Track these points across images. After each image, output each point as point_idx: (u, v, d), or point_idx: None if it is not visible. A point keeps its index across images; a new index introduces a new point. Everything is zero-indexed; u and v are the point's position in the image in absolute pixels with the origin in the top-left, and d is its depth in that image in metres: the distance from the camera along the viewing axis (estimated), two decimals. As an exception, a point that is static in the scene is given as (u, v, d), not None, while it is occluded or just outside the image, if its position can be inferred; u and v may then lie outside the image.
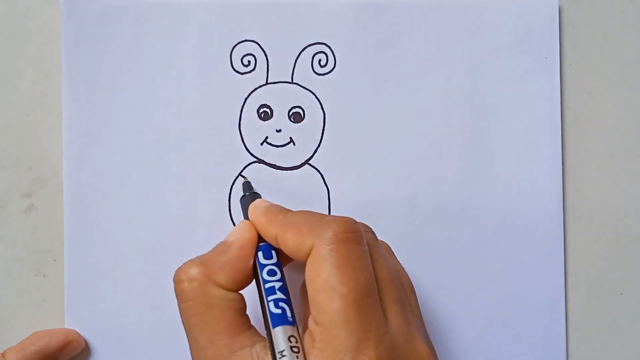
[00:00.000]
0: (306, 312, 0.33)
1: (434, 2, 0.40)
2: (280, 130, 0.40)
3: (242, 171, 0.40)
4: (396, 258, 0.36)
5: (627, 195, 0.41)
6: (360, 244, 0.30)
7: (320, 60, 0.40)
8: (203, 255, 0.32)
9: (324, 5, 0.40)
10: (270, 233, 0.32)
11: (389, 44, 0.40)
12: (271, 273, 0.32)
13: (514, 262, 0.40)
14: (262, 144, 0.40)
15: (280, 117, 0.40)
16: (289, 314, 0.30)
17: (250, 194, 0.37)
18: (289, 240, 0.31)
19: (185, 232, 0.39)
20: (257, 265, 0.32)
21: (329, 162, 0.40)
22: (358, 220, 0.35)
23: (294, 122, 0.40)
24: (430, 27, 0.40)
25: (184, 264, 0.32)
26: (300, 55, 0.40)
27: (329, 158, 0.40)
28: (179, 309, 0.31)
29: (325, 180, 0.40)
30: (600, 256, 0.41)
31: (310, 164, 0.40)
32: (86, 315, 0.39)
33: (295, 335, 0.30)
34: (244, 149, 0.40)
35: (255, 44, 0.40)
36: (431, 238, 0.40)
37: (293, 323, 0.30)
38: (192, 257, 0.39)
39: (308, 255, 0.29)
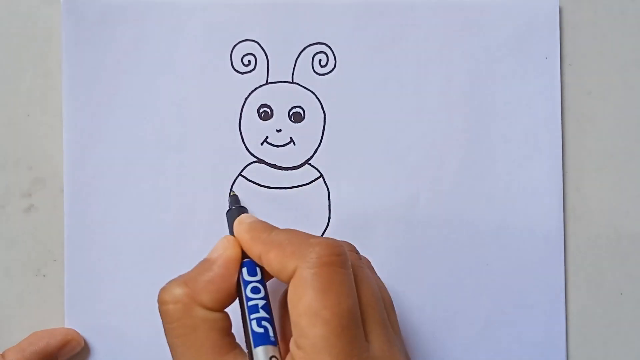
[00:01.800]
0: (285, 328, 0.33)
1: (434, 2, 0.40)
2: (280, 130, 0.40)
3: (242, 171, 0.40)
4: (376, 274, 0.36)
5: (627, 195, 0.41)
6: (344, 267, 0.29)
7: (320, 60, 0.40)
8: (187, 274, 0.32)
9: (325, 5, 0.40)
10: (254, 251, 0.32)
11: (389, 44, 0.40)
12: (255, 290, 0.31)
13: (514, 262, 0.40)
14: (262, 143, 0.40)
15: (280, 117, 0.40)
16: (271, 333, 0.30)
17: (236, 208, 0.37)
18: (272, 261, 0.30)
19: (185, 232, 0.39)
20: (241, 282, 0.32)
21: (329, 162, 0.40)
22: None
23: (294, 122, 0.40)
24: (430, 27, 0.40)
25: (168, 284, 0.32)
26: (301, 55, 0.40)
27: (329, 158, 0.40)
28: (164, 329, 0.31)
29: (325, 180, 0.40)
30: (600, 256, 0.41)
31: (310, 164, 0.40)
32: (86, 315, 0.39)
33: (277, 355, 0.29)
34: (244, 148, 0.40)
35: (256, 44, 0.40)
36: (431, 238, 0.40)
37: (275, 343, 0.30)
38: (192, 257, 0.39)
39: (291, 277, 0.29)
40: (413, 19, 0.40)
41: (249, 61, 0.40)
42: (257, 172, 0.40)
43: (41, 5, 0.40)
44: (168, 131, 0.40)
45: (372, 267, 0.36)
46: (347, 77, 0.40)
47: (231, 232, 0.35)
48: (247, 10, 0.40)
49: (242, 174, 0.40)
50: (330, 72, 0.40)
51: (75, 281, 0.39)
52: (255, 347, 0.30)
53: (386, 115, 0.40)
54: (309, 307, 0.28)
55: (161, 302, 0.31)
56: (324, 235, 0.40)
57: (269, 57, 0.40)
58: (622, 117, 0.41)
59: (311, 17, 0.40)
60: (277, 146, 0.40)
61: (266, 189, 0.40)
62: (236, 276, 0.32)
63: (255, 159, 0.40)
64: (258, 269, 0.32)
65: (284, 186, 0.40)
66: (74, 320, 0.39)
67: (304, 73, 0.40)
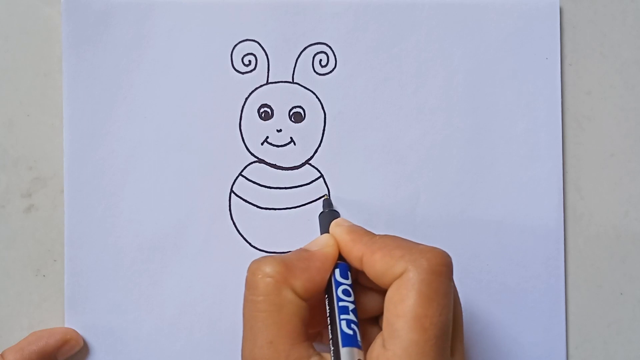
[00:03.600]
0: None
1: (434, 2, 0.40)
2: (280, 130, 0.40)
3: (242, 171, 0.40)
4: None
5: (627, 195, 0.41)
6: (450, 279, 0.29)
7: (321, 60, 0.40)
8: (284, 255, 0.32)
9: (325, 5, 0.40)
10: (355, 253, 0.32)
11: (390, 44, 0.40)
12: (346, 293, 0.31)
13: (514, 262, 0.40)
14: (262, 143, 0.40)
15: (280, 117, 0.40)
16: (359, 337, 0.30)
17: (329, 211, 0.37)
18: (377, 262, 0.30)
19: (185, 232, 0.39)
20: (333, 282, 0.32)
21: (329, 162, 0.40)
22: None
23: (295, 122, 0.40)
24: (430, 27, 0.40)
25: (263, 257, 0.31)
26: (301, 55, 0.40)
27: (329, 158, 0.40)
28: (246, 300, 0.31)
29: (326, 180, 0.40)
30: (600, 256, 0.41)
31: (310, 164, 0.40)
32: (86, 315, 0.39)
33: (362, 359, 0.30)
34: (245, 148, 0.40)
35: (256, 44, 0.40)
36: (431, 238, 0.40)
37: (361, 347, 0.30)
38: (192, 257, 0.39)
39: (394, 279, 0.29)
40: (413, 19, 0.40)
41: (250, 61, 0.40)
42: (258, 172, 0.40)
43: (41, 5, 0.40)
44: (168, 131, 0.40)
45: None
46: (348, 77, 0.40)
47: (323, 233, 0.35)
48: (247, 10, 0.40)
49: (243, 173, 0.40)
50: (330, 72, 0.40)
51: (75, 281, 0.39)
52: (343, 346, 0.30)
53: (386, 115, 0.40)
54: (410, 311, 0.28)
55: (252, 272, 0.31)
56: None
57: (269, 57, 0.40)
58: (622, 117, 0.41)
59: (312, 17, 0.40)
60: (278, 146, 0.40)
61: (266, 188, 0.40)
62: (329, 274, 0.32)
63: (256, 159, 0.40)
64: (349, 274, 0.33)
65: (284, 186, 0.40)
66: (73, 320, 0.39)
67: (304, 73, 0.40)
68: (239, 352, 0.31)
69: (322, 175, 0.40)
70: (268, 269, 0.30)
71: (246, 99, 0.40)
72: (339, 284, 0.32)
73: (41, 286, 0.40)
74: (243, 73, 0.40)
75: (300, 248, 0.33)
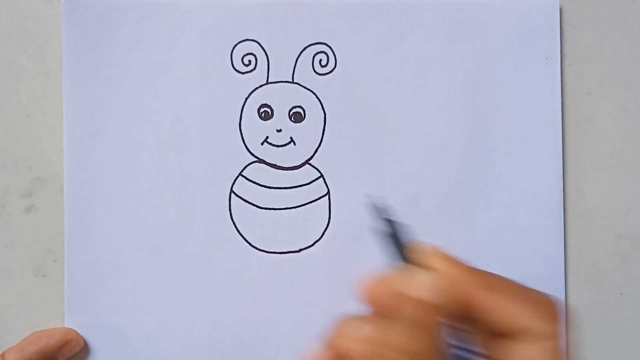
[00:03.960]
0: None
1: (434, 2, 0.40)
2: (280, 130, 0.40)
3: (242, 170, 0.40)
4: None
5: (627, 195, 0.41)
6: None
7: (321, 60, 0.40)
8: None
9: (325, 5, 0.40)
10: (470, 294, 0.26)
11: (390, 44, 0.40)
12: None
13: (514, 262, 0.40)
14: (262, 143, 0.40)
15: (280, 117, 0.40)
16: None
17: (397, 226, 0.29)
18: (506, 308, 0.26)
19: (185, 232, 0.39)
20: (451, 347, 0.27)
21: (329, 162, 0.40)
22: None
23: (295, 121, 0.40)
24: (431, 27, 0.40)
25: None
26: (301, 55, 0.40)
27: (329, 158, 0.40)
28: None
29: (326, 180, 0.40)
30: (600, 256, 0.41)
31: (310, 164, 0.40)
32: (86, 315, 0.39)
33: None
34: (245, 148, 0.40)
35: (256, 44, 0.40)
36: (431, 238, 0.40)
37: None
38: (192, 257, 0.39)
39: (525, 334, 0.26)
40: (413, 19, 0.40)
41: (250, 61, 0.40)
42: (258, 172, 0.40)
43: (41, 5, 0.40)
44: (168, 131, 0.40)
45: None
46: (348, 77, 0.40)
47: (400, 257, 0.28)
48: (247, 10, 0.40)
49: (243, 173, 0.40)
50: (330, 72, 0.40)
51: (75, 281, 0.39)
52: None
53: (387, 115, 0.40)
54: None
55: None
56: (323, 236, 0.40)
57: (269, 57, 0.40)
58: (622, 117, 0.41)
59: (312, 17, 0.40)
60: (278, 146, 0.40)
61: (266, 188, 0.40)
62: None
63: (256, 159, 0.40)
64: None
65: (284, 186, 0.40)
66: (73, 320, 0.39)
67: (304, 73, 0.40)
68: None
69: (322, 175, 0.40)
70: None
71: (246, 99, 0.40)
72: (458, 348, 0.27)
73: (41, 286, 0.40)
74: (243, 73, 0.40)
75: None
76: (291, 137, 0.40)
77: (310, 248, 0.39)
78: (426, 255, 0.27)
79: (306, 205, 0.40)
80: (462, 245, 0.40)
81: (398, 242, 0.28)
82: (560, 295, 0.40)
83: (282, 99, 0.40)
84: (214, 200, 0.40)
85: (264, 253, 0.40)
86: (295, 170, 0.40)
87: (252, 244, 0.40)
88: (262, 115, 0.40)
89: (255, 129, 0.40)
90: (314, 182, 0.40)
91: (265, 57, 0.40)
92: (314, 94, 0.40)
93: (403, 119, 0.40)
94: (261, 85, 0.40)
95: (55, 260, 0.40)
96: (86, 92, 0.39)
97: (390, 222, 0.28)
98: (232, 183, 0.40)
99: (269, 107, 0.40)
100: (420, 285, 0.25)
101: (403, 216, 0.40)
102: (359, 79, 0.40)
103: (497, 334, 0.26)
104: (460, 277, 0.26)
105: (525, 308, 0.26)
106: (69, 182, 0.39)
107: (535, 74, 0.41)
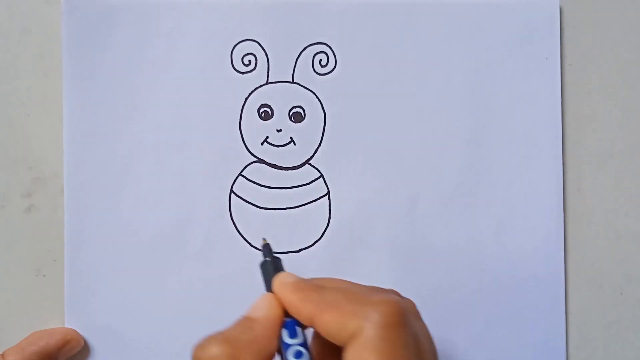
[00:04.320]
0: None
1: (434, 2, 0.40)
2: (280, 130, 0.40)
3: (242, 171, 0.40)
4: (422, 320, 0.34)
5: (627, 195, 0.41)
6: (408, 327, 0.28)
7: (321, 60, 0.40)
8: (226, 331, 0.30)
9: (325, 5, 0.40)
10: (304, 313, 0.29)
11: (390, 44, 0.40)
12: (298, 355, 0.29)
13: (514, 262, 0.40)
14: (262, 143, 0.40)
15: (280, 117, 0.40)
16: None
17: (272, 260, 0.33)
18: (329, 322, 0.28)
19: (185, 232, 0.39)
20: (282, 345, 0.30)
21: (329, 162, 0.40)
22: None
23: (295, 121, 0.40)
24: (431, 27, 0.40)
25: (205, 340, 0.29)
26: (301, 55, 0.40)
27: (329, 158, 0.40)
28: None
29: (326, 180, 0.40)
30: (600, 256, 0.41)
31: (310, 164, 0.40)
32: (86, 315, 0.39)
33: None
34: (245, 148, 0.40)
35: (256, 44, 0.40)
36: (431, 238, 0.40)
37: None
38: (192, 257, 0.39)
39: (350, 338, 0.27)
40: (413, 19, 0.40)
41: (250, 61, 0.40)
42: (258, 172, 0.40)
43: (41, 5, 0.40)
44: (168, 131, 0.40)
45: (418, 312, 0.34)
46: (348, 77, 0.40)
47: (268, 286, 0.33)
48: (247, 10, 0.40)
49: (243, 173, 0.40)
50: (330, 72, 0.40)
51: (75, 281, 0.39)
52: None
53: (386, 115, 0.40)
54: None
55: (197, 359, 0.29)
56: (323, 236, 0.40)
57: (269, 57, 0.40)
58: (622, 117, 0.41)
59: (312, 17, 0.40)
60: (278, 146, 0.40)
61: (266, 188, 0.40)
62: (277, 337, 0.30)
63: (256, 159, 0.40)
64: (299, 330, 0.30)
65: (284, 186, 0.40)
66: (73, 320, 0.39)
67: (304, 73, 0.40)
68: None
69: (322, 175, 0.40)
70: (212, 353, 0.28)
71: (246, 99, 0.40)
72: (287, 345, 0.30)
73: (41, 286, 0.40)
74: (243, 73, 0.40)
75: (243, 317, 0.31)
76: (291, 137, 0.40)
77: (310, 248, 0.39)
78: (276, 284, 0.31)
79: (306, 205, 0.40)
80: (462, 245, 0.40)
81: (269, 272, 0.32)
82: (560, 296, 0.40)
83: (282, 99, 0.40)
84: (214, 200, 0.40)
85: (264, 253, 0.40)
86: (295, 170, 0.40)
87: (252, 244, 0.40)
88: (262, 115, 0.40)
89: (255, 129, 0.40)
90: (314, 182, 0.40)
91: (265, 57, 0.40)
92: (314, 94, 0.40)
93: (403, 119, 0.40)
94: (261, 85, 0.40)
95: (55, 260, 0.40)
96: (86, 92, 0.39)
97: (270, 255, 0.33)
98: (232, 183, 0.40)
99: (269, 107, 0.40)
100: (257, 308, 0.30)
101: (403, 216, 0.40)
102: (359, 79, 0.40)
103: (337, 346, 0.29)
104: (291, 299, 0.30)
105: (354, 317, 0.27)
106: (69, 182, 0.39)
107: (535, 74, 0.41)
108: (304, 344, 0.30)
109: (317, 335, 0.31)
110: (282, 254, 0.40)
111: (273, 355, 0.30)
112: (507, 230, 0.40)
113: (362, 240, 0.40)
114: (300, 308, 0.30)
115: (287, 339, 0.30)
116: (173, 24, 0.40)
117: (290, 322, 0.30)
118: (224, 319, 0.39)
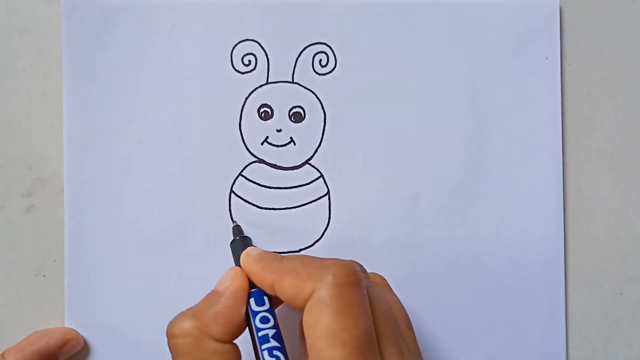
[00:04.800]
0: (304, 353, 0.32)
1: (434, 2, 0.40)
2: (280, 130, 0.40)
3: (242, 171, 0.40)
4: (392, 291, 0.36)
5: (627, 195, 0.41)
6: (360, 287, 0.29)
7: (321, 60, 0.40)
8: (194, 307, 0.32)
9: (325, 5, 0.40)
10: (267, 281, 0.32)
11: (390, 44, 0.40)
12: (264, 320, 0.31)
13: (514, 262, 0.40)
14: (262, 143, 0.40)
15: (280, 117, 0.40)
16: None
17: (240, 238, 0.37)
18: (287, 287, 0.30)
19: (185, 232, 0.39)
20: (250, 312, 0.32)
21: (329, 162, 0.40)
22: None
23: (295, 121, 0.40)
24: (431, 27, 0.40)
25: (176, 317, 0.31)
26: (301, 55, 0.40)
27: (329, 158, 0.40)
28: None
29: (326, 180, 0.40)
30: (600, 256, 0.41)
31: (310, 164, 0.40)
32: (86, 314, 0.39)
33: None
34: (245, 148, 0.40)
35: (256, 44, 0.40)
36: (431, 238, 0.40)
37: None
38: (192, 257, 0.39)
39: (307, 301, 0.29)
40: (413, 19, 0.40)
41: (250, 61, 0.40)
42: (257, 172, 0.40)
43: (41, 5, 0.40)
44: (168, 131, 0.40)
45: (388, 285, 0.36)
46: (348, 77, 0.40)
47: (237, 263, 0.35)
48: (247, 10, 0.40)
49: (242, 173, 0.40)
50: (330, 72, 0.40)
51: (75, 281, 0.39)
52: None
53: (386, 115, 0.40)
54: (327, 329, 0.28)
55: (170, 336, 0.31)
56: (324, 234, 0.40)
57: (269, 57, 0.40)
58: (622, 117, 0.41)
59: (312, 17, 0.40)
60: (278, 146, 0.40)
61: (266, 188, 0.40)
62: (244, 307, 0.32)
63: (256, 159, 0.40)
64: (266, 298, 0.32)
65: (284, 186, 0.40)
66: (73, 320, 0.39)
67: (304, 73, 0.40)
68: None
69: (322, 175, 0.40)
70: (183, 328, 0.31)
71: (246, 99, 0.40)
72: (255, 313, 0.32)
73: (41, 286, 0.40)
74: (243, 73, 0.40)
75: (210, 292, 0.33)
76: (291, 137, 0.40)
77: (310, 248, 0.39)
78: (242, 257, 0.34)
79: (306, 205, 0.40)
80: (462, 245, 0.40)
81: (238, 249, 0.35)
82: (560, 296, 0.40)
83: (282, 99, 0.40)
84: (214, 200, 0.40)
85: (264, 253, 0.40)
86: (295, 170, 0.40)
87: (252, 244, 0.40)
88: (262, 115, 0.40)
89: (255, 129, 0.40)
90: (314, 182, 0.40)
91: (265, 57, 0.40)
92: (314, 94, 0.40)
93: (403, 119, 0.40)
94: (261, 85, 0.40)
95: (55, 260, 0.40)
96: (86, 92, 0.39)
97: (240, 234, 0.37)
98: (232, 183, 0.40)
99: (269, 107, 0.40)
100: (222, 282, 0.33)
101: (403, 216, 0.40)
102: (359, 79, 0.40)
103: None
104: (254, 268, 0.33)
105: (308, 280, 0.29)
106: (69, 182, 0.39)
107: (535, 74, 0.41)
108: (269, 311, 0.32)
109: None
110: (282, 254, 0.40)
111: (241, 325, 0.32)
112: (507, 230, 0.40)
113: (362, 240, 0.40)
114: (262, 276, 0.32)
115: (254, 307, 0.32)
116: (173, 24, 0.40)
117: (256, 291, 0.33)
118: (224, 319, 0.39)
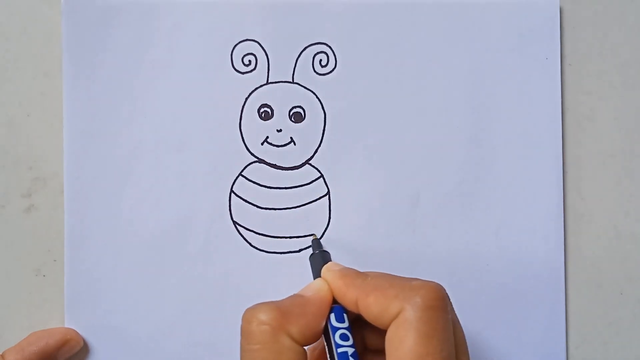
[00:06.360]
0: None
1: (434, 2, 0.40)
2: (280, 130, 0.40)
3: (242, 171, 0.40)
4: (454, 310, 0.36)
5: (627, 195, 0.41)
6: (446, 312, 0.29)
7: (321, 60, 0.40)
8: (278, 301, 0.32)
9: (325, 5, 0.40)
10: (350, 297, 0.31)
11: (390, 44, 0.40)
12: (344, 337, 0.31)
13: (514, 262, 0.40)
14: (262, 143, 0.40)
15: (280, 117, 0.40)
16: None
17: (320, 252, 0.37)
18: (372, 304, 0.30)
19: (185, 232, 0.39)
20: (330, 327, 0.32)
21: (329, 162, 0.40)
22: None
23: (295, 122, 0.40)
24: (431, 27, 0.40)
25: (258, 304, 0.31)
26: (301, 55, 0.40)
27: (329, 158, 0.40)
28: (242, 349, 0.30)
29: (326, 180, 0.40)
30: (600, 256, 0.41)
31: (310, 164, 0.40)
32: (86, 315, 0.39)
33: None
34: (245, 148, 0.40)
35: (256, 44, 0.40)
36: (431, 238, 0.40)
37: None
38: (192, 257, 0.39)
39: (392, 320, 0.29)
40: (413, 18, 0.40)
41: (250, 61, 0.40)
42: (258, 172, 0.40)
43: (41, 5, 0.40)
44: (168, 131, 0.40)
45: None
46: (348, 77, 0.40)
47: (315, 277, 0.35)
48: (247, 10, 0.40)
49: (243, 173, 0.40)
50: (330, 72, 0.40)
51: (75, 281, 0.39)
52: None
53: (386, 115, 0.40)
54: (411, 351, 0.28)
55: (247, 320, 0.30)
56: (324, 234, 0.40)
57: (269, 57, 0.40)
58: (622, 117, 0.41)
59: (312, 17, 0.40)
60: (278, 146, 0.40)
61: (266, 188, 0.40)
62: (325, 319, 0.32)
63: (256, 159, 0.40)
64: (346, 316, 0.32)
65: (284, 186, 0.40)
66: (73, 320, 0.39)
67: (304, 73, 0.40)
68: (238, 352, 0.31)
69: (322, 175, 0.40)
70: (263, 316, 0.30)
71: (246, 99, 0.40)
72: (335, 329, 0.32)
73: (41, 286, 0.40)
74: (243, 73, 0.40)
75: (294, 294, 0.33)
76: (291, 137, 0.40)
77: (310, 248, 0.39)
78: (324, 271, 0.34)
79: (306, 205, 0.40)
80: (462, 245, 0.40)
81: (318, 263, 0.35)
82: (560, 296, 0.40)
83: (282, 99, 0.40)
84: (214, 200, 0.40)
85: (264, 253, 0.40)
86: (295, 170, 0.40)
87: (252, 244, 0.40)
88: (262, 115, 0.40)
89: (255, 129, 0.40)
90: (314, 182, 0.40)
91: (265, 57, 0.40)
92: (314, 94, 0.40)
93: (403, 119, 0.40)
94: (261, 85, 0.40)
95: (55, 260, 0.40)
96: (86, 92, 0.39)
97: (319, 249, 0.37)
98: (232, 183, 0.40)
99: (269, 107, 0.40)
100: (309, 288, 0.33)
101: (403, 216, 0.40)
102: (359, 79, 0.40)
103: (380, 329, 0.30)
104: (337, 284, 0.32)
105: (395, 300, 0.29)
106: (69, 182, 0.39)
107: (535, 74, 0.41)
108: (348, 329, 0.32)
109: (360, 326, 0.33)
110: (282, 254, 0.40)
111: (318, 335, 0.32)
112: (507, 230, 0.40)
113: (362, 240, 0.40)
114: (346, 292, 0.32)
115: (335, 323, 0.32)
116: (173, 23, 0.40)
117: (338, 307, 0.32)
118: (224, 319, 0.39)
